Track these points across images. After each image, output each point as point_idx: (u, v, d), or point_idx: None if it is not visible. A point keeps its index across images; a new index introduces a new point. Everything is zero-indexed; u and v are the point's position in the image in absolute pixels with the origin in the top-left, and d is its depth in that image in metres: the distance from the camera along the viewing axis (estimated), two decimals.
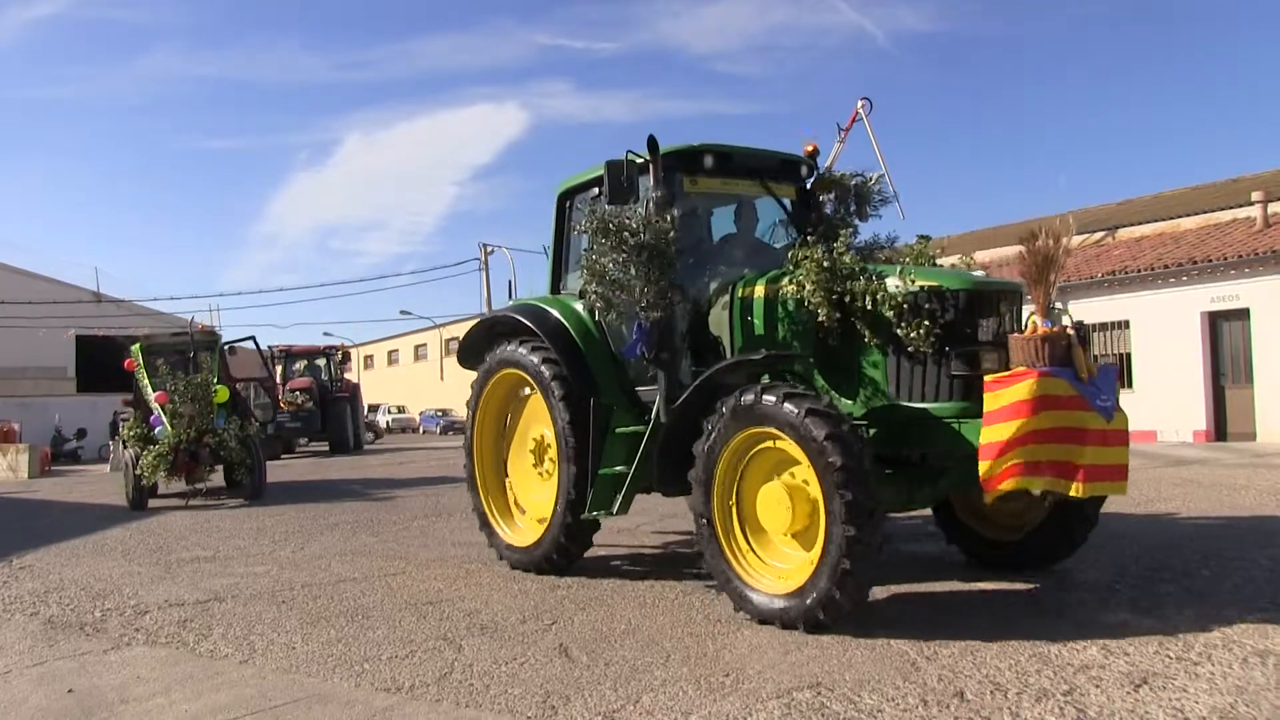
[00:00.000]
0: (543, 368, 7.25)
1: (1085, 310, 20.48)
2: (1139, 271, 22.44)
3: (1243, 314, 20.76)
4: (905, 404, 5.89)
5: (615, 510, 6.87)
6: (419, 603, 6.73)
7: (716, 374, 6.05)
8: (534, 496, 7.84)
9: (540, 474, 7.74)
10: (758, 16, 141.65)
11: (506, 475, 8.18)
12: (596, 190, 7.21)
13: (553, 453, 7.45)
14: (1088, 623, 5.45)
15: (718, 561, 5.85)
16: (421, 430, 55.10)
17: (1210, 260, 21.06)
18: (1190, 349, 21.51)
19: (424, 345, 69.51)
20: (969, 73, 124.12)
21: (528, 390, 7.77)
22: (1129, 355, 22.66)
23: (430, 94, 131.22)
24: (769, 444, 5.62)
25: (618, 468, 6.87)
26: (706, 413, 5.91)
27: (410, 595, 7.02)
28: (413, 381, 67.44)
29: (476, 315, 54.47)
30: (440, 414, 52.64)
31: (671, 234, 6.37)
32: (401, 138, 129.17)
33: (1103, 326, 22.57)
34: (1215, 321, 21.36)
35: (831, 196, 7.49)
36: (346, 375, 34.41)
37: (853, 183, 7.46)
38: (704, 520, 5.88)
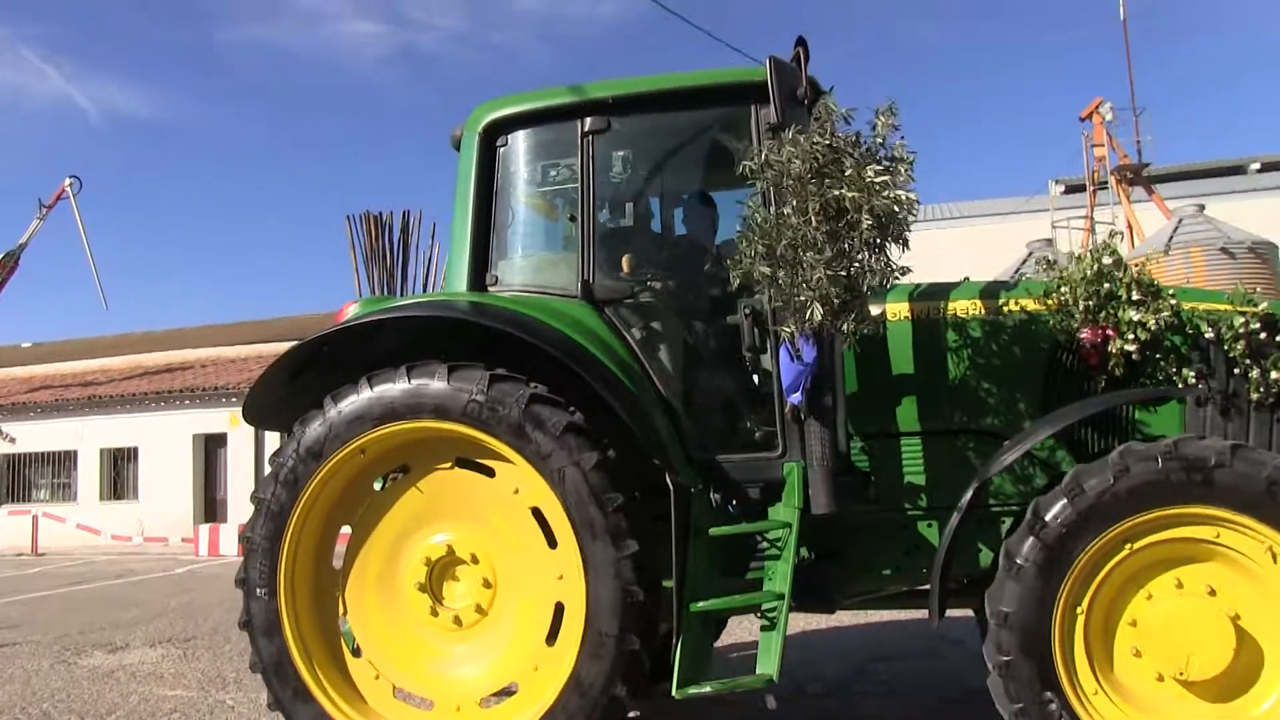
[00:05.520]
0: (545, 421, 4.02)
1: None
2: None
3: None
4: None
5: (709, 681, 3.91)
6: None
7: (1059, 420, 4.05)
8: (415, 658, 4.35)
9: (437, 614, 4.25)
10: None
11: (342, 612, 4.44)
12: (577, 122, 4.63)
13: (476, 575, 4.23)
14: None
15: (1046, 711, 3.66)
16: None
17: None
18: None
19: None
20: (182, 161, 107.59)
21: (408, 468, 4.40)
22: None
23: None
24: (1180, 533, 3.68)
25: (711, 600, 4.01)
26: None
27: None
28: None
29: None
30: None
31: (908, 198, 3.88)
32: None
33: None
34: None
35: None
36: None
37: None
38: (1031, 653, 3.69)
